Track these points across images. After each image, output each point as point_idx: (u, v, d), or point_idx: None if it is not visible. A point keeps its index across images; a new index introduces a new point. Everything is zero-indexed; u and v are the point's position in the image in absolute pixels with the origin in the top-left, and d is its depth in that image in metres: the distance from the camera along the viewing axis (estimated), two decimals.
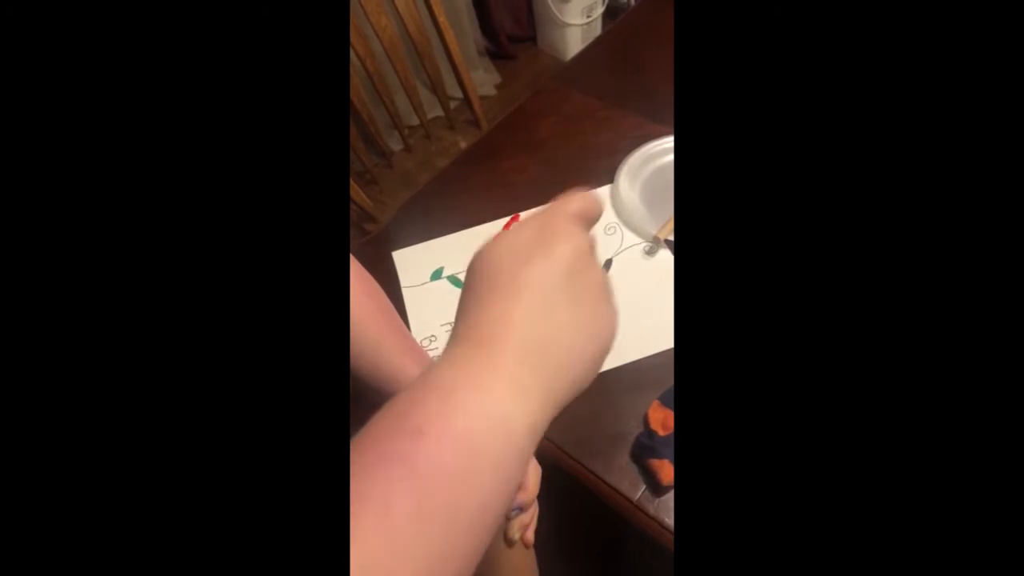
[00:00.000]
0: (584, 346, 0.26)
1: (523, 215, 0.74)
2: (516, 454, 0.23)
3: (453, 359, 0.25)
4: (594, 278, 0.27)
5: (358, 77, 1.07)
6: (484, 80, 1.72)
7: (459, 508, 0.21)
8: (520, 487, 0.43)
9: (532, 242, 0.27)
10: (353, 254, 0.54)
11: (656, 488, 0.55)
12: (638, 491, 0.55)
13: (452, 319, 0.66)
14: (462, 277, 0.71)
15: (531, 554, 0.45)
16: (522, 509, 0.43)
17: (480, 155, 0.87)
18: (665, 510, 0.54)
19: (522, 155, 0.84)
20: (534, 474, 0.45)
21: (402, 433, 0.21)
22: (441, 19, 1.07)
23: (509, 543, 0.42)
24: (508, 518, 0.42)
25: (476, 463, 0.21)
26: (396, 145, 1.26)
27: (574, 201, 0.29)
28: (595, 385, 0.58)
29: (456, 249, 0.74)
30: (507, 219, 0.75)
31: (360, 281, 0.54)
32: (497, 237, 0.29)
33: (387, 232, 0.79)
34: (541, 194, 0.75)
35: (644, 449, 0.56)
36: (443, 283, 0.71)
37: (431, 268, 0.73)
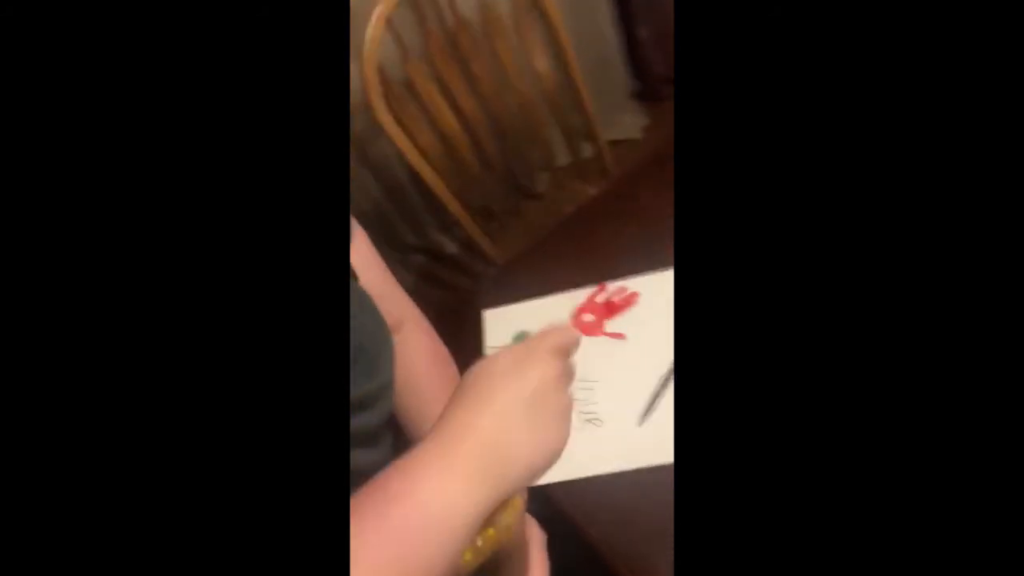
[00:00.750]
0: (531, 459, 0.33)
1: (610, 285, 0.75)
2: (461, 526, 0.30)
3: (425, 449, 0.32)
4: (555, 403, 0.34)
5: (490, 131, 1.15)
6: (630, 124, 1.72)
7: (414, 555, 0.28)
8: None
9: (509, 366, 0.35)
10: (451, 310, 0.61)
11: None
12: None
13: None
14: None
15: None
16: None
17: (583, 219, 0.88)
18: None
19: (623, 221, 0.84)
20: (538, 573, 0.46)
21: (380, 496, 0.30)
22: (576, 78, 1.11)
23: None
24: None
25: (430, 524, 0.29)
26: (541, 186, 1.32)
27: (553, 335, 0.37)
28: (651, 478, 0.58)
29: (542, 312, 0.76)
30: (592, 289, 0.76)
31: (432, 347, 0.59)
32: (486, 358, 0.36)
33: (485, 290, 0.84)
34: (630, 263, 0.75)
35: None
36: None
37: (515, 330, 0.76)
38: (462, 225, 1.12)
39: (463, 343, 0.78)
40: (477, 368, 0.35)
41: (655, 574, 0.55)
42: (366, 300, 0.48)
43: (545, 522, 0.69)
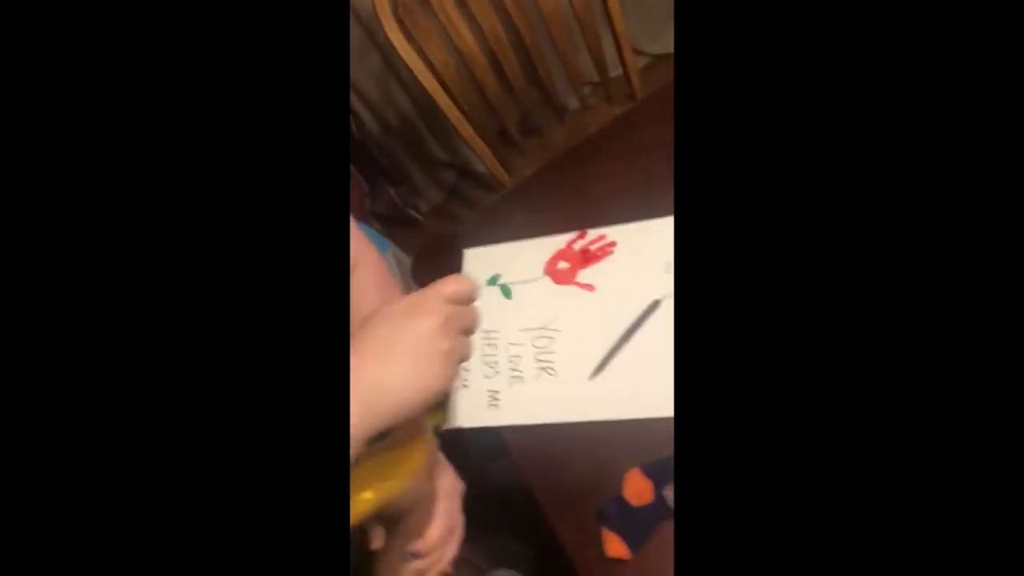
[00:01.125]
0: (404, 395, 0.37)
1: (591, 232, 0.73)
2: None
3: None
4: (436, 346, 0.38)
5: (513, 49, 1.08)
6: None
7: None
8: (418, 535, 0.47)
9: (402, 312, 0.39)
10: (437, 248, 0.62)
11: (602, 556, 0.54)
12: (589, 548, 0.56)
13: (490, 327, 0.76)
14: (514, 287, 0.73)
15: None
16: (417, 556, 0.47)
17: (579, 155, 0.84)
18: None
19: (615, 162, 0.80)
20: (438, 528, 0.49)
21: None
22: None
23: None
24: (403, 560, 0.47)
25: None
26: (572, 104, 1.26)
27: (446, 285, 0.41)
28: (592, 432, 0.60)
29: (519, 257, 0.76)
30: (574, 234, 0.74)
31: (381, 290, 0.60)
32: (384, 306, 0.41)
33: (473, 227, 0.84)
34: (622, 211, 0.72)
35: (604, 515, 0.55)
36: (494, 291, 0.74)
37: (490, 272, 0.76)
38: (476, 151, 1.09)
39: (445, 275, 0.79)
40: (375, 314, 0.39)
41: (581, 525, 0.57)
42: None
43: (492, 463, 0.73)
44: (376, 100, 1.45)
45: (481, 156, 1.10)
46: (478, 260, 0.78)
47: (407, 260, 1.08)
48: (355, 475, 0.36)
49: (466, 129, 1.06)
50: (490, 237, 0.80)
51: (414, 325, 0.38)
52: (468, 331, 0.42)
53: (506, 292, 0.74)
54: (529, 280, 0.73)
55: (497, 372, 0.68)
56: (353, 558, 0.47)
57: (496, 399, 0.67)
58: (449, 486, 0.53)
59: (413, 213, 1.61)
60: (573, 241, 0.73)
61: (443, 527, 0.49)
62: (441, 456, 0.53)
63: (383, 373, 0.36)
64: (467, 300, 0.42)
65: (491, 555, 0.75)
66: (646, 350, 0.63)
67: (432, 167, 1.62)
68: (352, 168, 1.47)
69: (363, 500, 0.38)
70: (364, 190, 1.59)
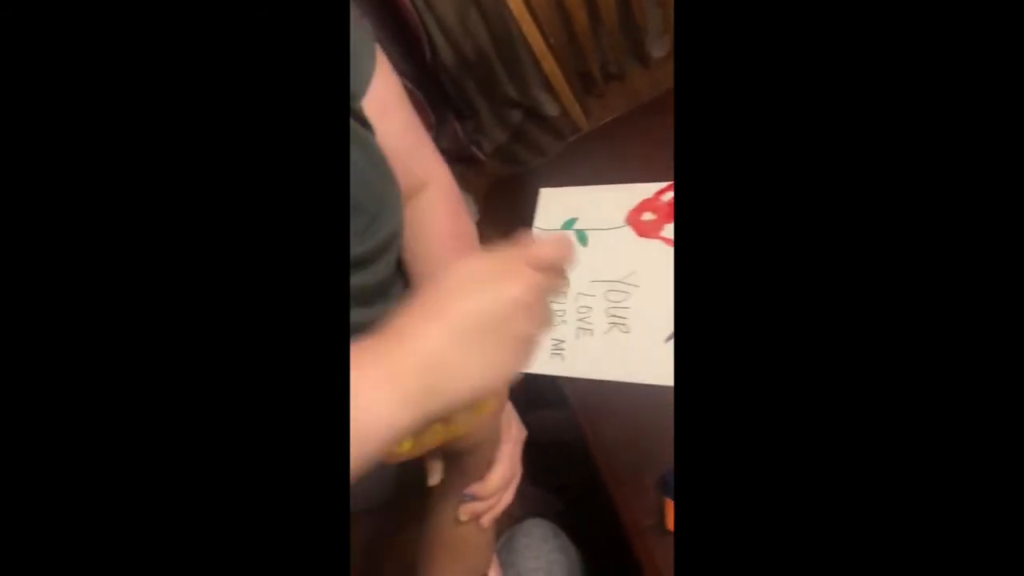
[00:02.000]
0: (471, 384, 0.30)
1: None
2: (385, 439, 0.28)
3: (373, 345, 0.29)
4: (515, 327, 0.30)
5: None
6: None
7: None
8: (478, 477, 0.45)
9: (481, 278, 0.31)
10: (509, 187, 0.55)
11: (661, 527, 0.51)
12: (648, 518, 0.53)
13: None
14: (590, 234, 0.69)
15: (482, 533, 0.48)
16: (474, 498, 0.45)
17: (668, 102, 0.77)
18: (663, 555, 0.51)
19: None
20: (499, 473, 0.46)
21: None
22: None
23: (458, 521, 0.45)
24: (460, 500, 0.44)
25: (355, 433, 0.27)
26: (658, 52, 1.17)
27: (542, 248, 0.31)
28: (660, 397, 0.55)
29: (600, 203, 0.70)
30: (663, 184, 0.68)
31: (451, 217, 0.56)
32: (463, 262, 0.32)
33: (549, 167, 0.79)
34: None
35: (667, 485, 0.52)
36: (570, 235, 0.70)
37: (567, 215, 0.71)
38: (557, 90, 1.02)
39: (515, 217, 0.75)
40: (449, 272, 0.31)
41: (638, 490, 0.54)
42: (372, 153, 0.45)
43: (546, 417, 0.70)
44: (453, 28, 1.38)
45: (560, 95, 1.04)
46: (554, 201, 0.73)
47: (468, 199, 1.04)
48: None
49: (549, 63, 0.99)
50: (569, 178, 0.74)
51: (500, 298, 0.30)
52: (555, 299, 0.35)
53: (582, 238, 0.69)
54: (608, 228, 0.68)
55: (564, 321, 0.64)
56: (410, 491, 0.45)
57: (560, 349, 0.63)
58: (514, 433, 0.50)
59: (476, 151, 1.56)
60: (662, 191, 0.68)
61: (504, 473, 0.46)
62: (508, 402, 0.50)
63: (450, 360, 0.29)
64: (564, 267, 0.33)
65: (523, 503, 0.73)
66: None
67: (500, 105, 1.55)
68: (421, 96, 1.42)
69: (432, 431, 0.35)
70: (430, 121, 1.54)
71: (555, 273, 0.32)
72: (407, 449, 0.35)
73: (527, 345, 0.31)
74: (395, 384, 0.28)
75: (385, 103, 0.49)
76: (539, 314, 0.31)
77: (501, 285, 0.30)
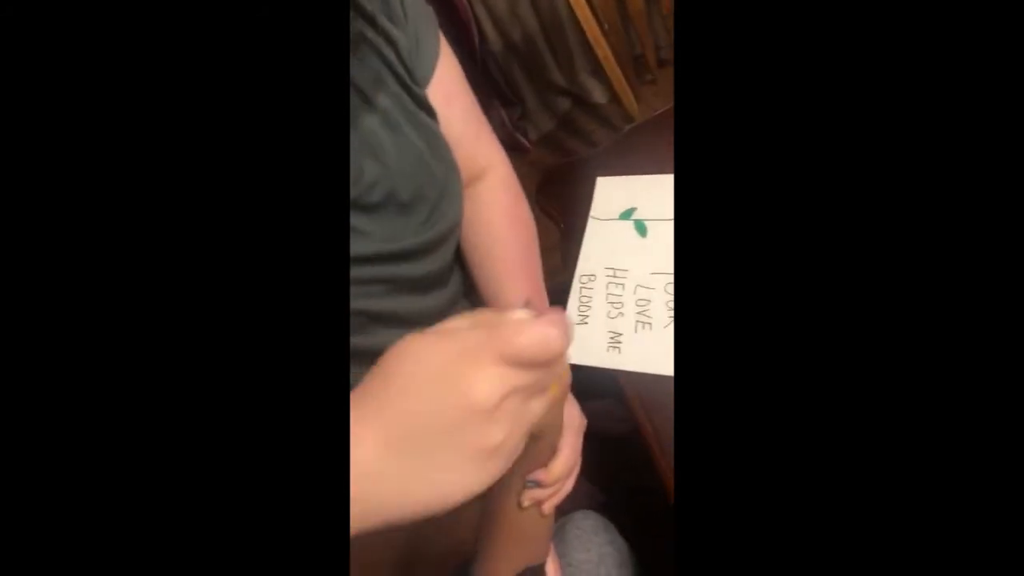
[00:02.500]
0: (415, 501, 0.24)
1: None
2: None
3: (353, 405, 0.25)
4: (474, 438, 0.24)
5: None
6: None
7: None
8: (542, 464, 0.44)
9: (437, 370, 0.24)
10: (562, 176, 0.54)
11: None
12: None
13: (620, 265, 0.67)
14: (649, 224, 0.67)
15: (543, 520, 0.47)
16: (538, 484, 0.44)
17: None
18: None
19: None
20: (562, 461, 0.45)
21: None
22: None
23: (520, 507, 0.44)
24: (524, 486, 0.44)
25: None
26: None
27: (521, 338, 0.24)
28: None
29: (657, 191, 0.68)
30: None
31: (511, 205, 0.56)
32: (427, 336, 0.25)
33: (604, 154, 0.77)
34: None
35: None
36: (628, 225, 0.68)
37: (625, 205, 0.69)
38: (609, 74, 1.00)
39: (573, 206, 0.74)
40: (409, 348, 0.25)
41: None
42: (436, 141, 0.45)
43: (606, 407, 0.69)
44: (502, 14, 1.37)
45: (612, 80, 1.01)
46: (612, 190, 0.72)
47: None
48: None
49: (602, 48, 0.97)
50: (626, 167, 0.72)
51: (456, 399, 0.23)
52: (543, 398, 0.27)
53: (641, 229, 0.67)
54: (668, 219, 0.66)
55: (622, 314, 0.63)
56: None
57: (618, 342, 0.62)
58: (576, 421, 0.49)
59: (522, 139, 1.55)
60: None
61: (568, 461, 0.45)
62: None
63: (392, 467, 0.23)
64: (549, 362, 0.25)
65: (572, 495, 0.73)
66: None
67: (548, 92, 1.53)
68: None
69: None
70: None
71: (540, 368, 0.25)
72: None
73: (496, 457, 0.24)
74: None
75: (449, 89, 0.49)
76: (512, 419, 0.25)
77: (460, 382, 0.23)
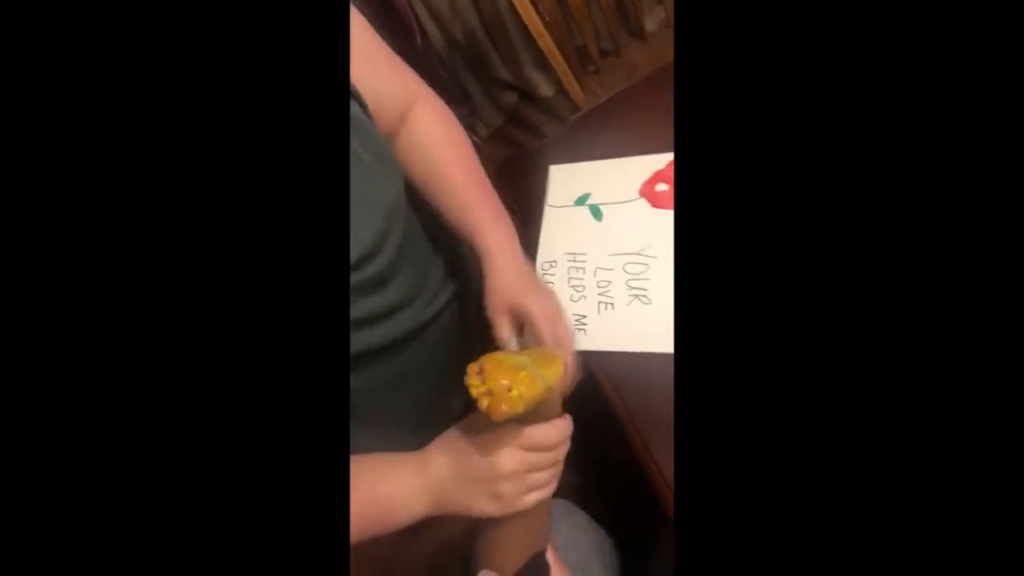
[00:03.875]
0: (461, 509, 0.44)
1: None
2: (402, 523, 0.45)
3: (409, 461, 0.46)
4: (495, 489, 0.42)
5: None
6: None
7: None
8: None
9: (486, 443, 0.42)
10: (515, 167, 0.61)
11: None
12: None
13: (579, 250, 0.70)
14: (604, 208, 0.69)
15: (543, 506, 0.48)
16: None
17: None
18: None
19: None
20: (561, 426, 0.46)
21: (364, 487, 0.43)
22: None
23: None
24: None
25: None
26: (652, 25, 1.16)
27: (539, 434, 0.43)
28: None
29: (612, 176, 0.70)
30: (670, 155, 0.68)
31: (446, 127, 0.57)
32: (463, 429, 0.45)
33: (556, 143, 0.78)
34: None
35: None
36: (584, 211, 0.69)
37: (579, 191, 0.71)
38: (554, 66, 1.02)
39: (529, 197, 0.75)
40: (472, 419, 0.44)
41: (670, 457, 0.55)
42: (369, 138, 0.45)
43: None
44: (442, 11, 1.37)
45: (558, 72, 1.03)
46: (565, 177, 0.73)
47: None
48: (500, 374, 0.37)
49: (545, 41, 0.98)
50: (578, 155, 0.74)
51: (486, 463, 0.41)
52: (546, 472, 0.44)
53: (596, 213, 0.69)
54: (622, 201, 0.68)
55: (584, 296, 0.64)
56: None
57: (583, 324, 0.63)
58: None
59: (472, 137, 1.55)
60: (674, 161, 0.67)
61: (565, 427, 0.46)
62: None
63: (453, 488, 0.43)
64: (556, 446, 0.44)
65: None
66: None
67: (494, 88, 1.54)
68: None
69: (513, 398, 0.37)
70: None
71: (550, 452, 0.43)
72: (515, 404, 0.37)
73: (503, 501, 0.42)
74: (423, 493, 0.43)
75: (359, 45, 0.49)
76: (522, 483, 0.42)
77: (494, 455, 0.41)
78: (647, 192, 0.67)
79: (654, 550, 0.62)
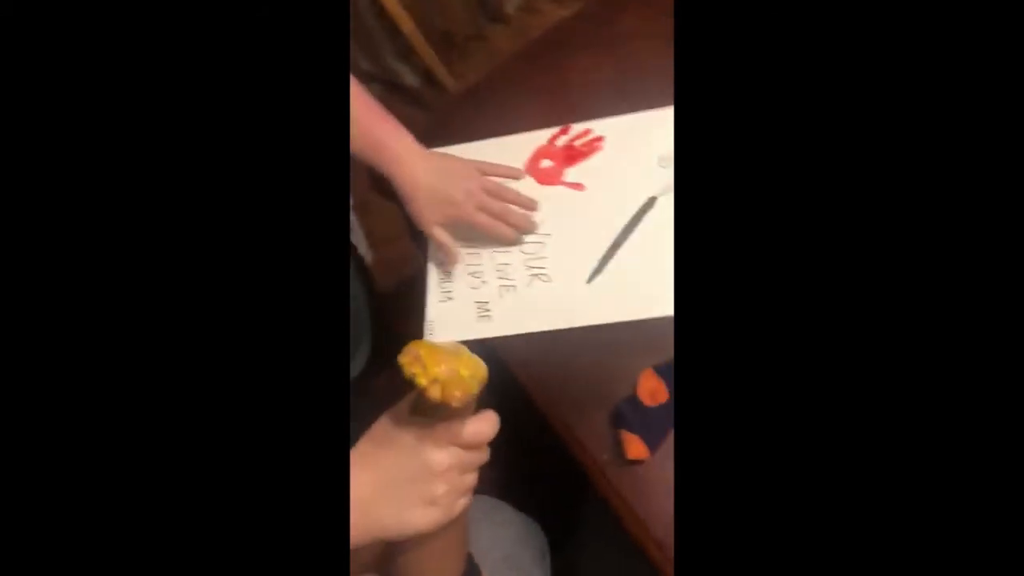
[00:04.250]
0: (387, 525, 0.37)
1: (575, 126, 0.67)
2: None
3: None
4: (436, 490, 0.37)
5: None
6: None
7: None
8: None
9: (414, 444, 0.38)
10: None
11: (620, 459, 0.52)
12: (603, 453, 0.53)
13: (474, 236, 0.66)
14: None
15: (463, 520, 0.45)
16: None
17: (551, 46, 0.77)
18: (628, 484, 0.52)
19: (598, 51, 0.73)
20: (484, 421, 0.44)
21: None
22: None
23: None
24: None
25: None
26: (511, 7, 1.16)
27: (471, 426, 0.38)
28: (594, 336, 0.61)
29: (492, 158, 0.68)
30: (554, 130, 0.67)
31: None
32: (393, 419, 0.39)
33: (437, 125, 0.75)
34: (608, 104, 0.66)
35: (621, 417, 0.53)
36: (494, 416, 0.67)
37: None
38: (418, 52, 0.98)
39: None
40: (387, 424, 0.39)
41: (591, 429, 0.54)
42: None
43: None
44: None
45: (423, 56, 0.99)
46: None
47: None
48: (440, 359, 0.35)
49: (408, 24, 0.94)
50: (455, 138, 0.71)
51: (418, 462, 0.37)
52: (475, 474, 0.41)
53: None
54: (510, 181, 0.66)
55: (484, 282, 0.62)
56: None
57: (487, 310, 0.61)
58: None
59: None
60: (555, 137, 0.67)
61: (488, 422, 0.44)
62: None
63: (378, 501, 0.37)
64: (487, 441, 0.40)
65: None
66: (646, 249, 0.60)
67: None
68: None
69: (466, 379, 0.35)
70: None
71: (475, 449, 0.39)
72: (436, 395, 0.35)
73: (439, 505, 0.37)
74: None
75: None
76: (452, 482, 0.38)
77: (423, 454, 0.37)
78: (533, 169, 0.66)
79: (585, 525, 0.62)
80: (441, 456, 0.37)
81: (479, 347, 0.60)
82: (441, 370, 0.34)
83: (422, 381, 0.34)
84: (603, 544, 0.63)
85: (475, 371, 0.36)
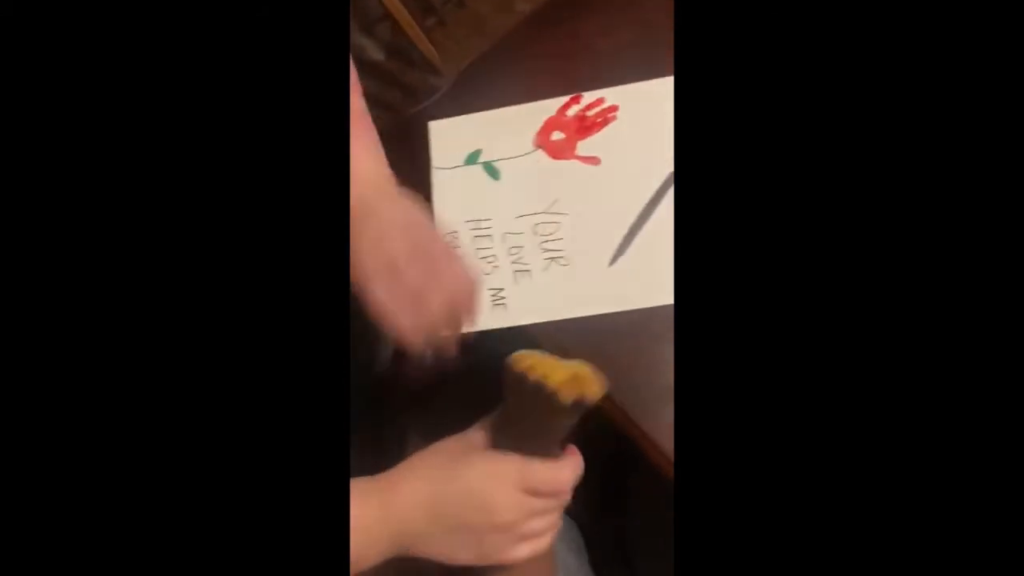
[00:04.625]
0: (434, 554, 0.35)
1: (586, 95, 0.61)
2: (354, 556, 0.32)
3: (375, 487, 0.36)
4: (496, 554, 0.34)
5: None
6: None
7: None
8: None
9: (474, 483, 0.33)
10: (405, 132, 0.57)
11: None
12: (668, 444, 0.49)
13: (480, 215, 0.62)
14: (500, 165, 0.61)
15: (547, 556, 0.41)
16: None
17: (561, 10, 0.71)
18: None
19: (613, 14, 0.67)
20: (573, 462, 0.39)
21: None
22: None
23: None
24: None
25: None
26: None
27: (544, 474, 0.34)
28: (619, 322, 0.57)
29: (502, 128, 0.62)
30: (566, 98, 0.62)
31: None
32: (465, 444, 0.36)
33: (437, 99, 0.68)
34: (622, 71, 0.61)
35: None
36: (477, 170, 0.61)
37: (468, 149, 0.63)
38: (397, 21, 0.90)
39: (408, 161, 0.64)
40: (450, 445, 0.36)
41: (644, 415, 0.50)
42: None
43: None
44: None
45: (403, 24, 0.92)
46: (448, 134, 0.64)
47: None
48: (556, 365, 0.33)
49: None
50: (462, 108, 0.65)
51: (483, 515, 0.33)
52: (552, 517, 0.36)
53: (492, 172, 0.61)
54: (519, 155, 0.61)
55: (497, 267, 0.57)
56: None
57: (501, 298, 0.56)
58: None
59: None
60: (566, 107, 0.62)
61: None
62: None
63: (431, 533, 0.34)
64: (560, 494, 0.35)
65: None
66: (671, 227, 0.55)
67: None
68: None
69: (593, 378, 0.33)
70: None
71: (554, 498, 0.34)
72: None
73: (488, 553, 0.34)
74: (382, 530, 0.34)
75: None
76: (516, 533, 0.33)
77: (487, 501, 0.33)
78: (543, 142, 0.61)
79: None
80: (506, 507, 0.33)
81: (493, 339, 0.55)
82: (565, 371, 0.32)
83: (556, 379, 0.32)
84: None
85: (591, 371, 0.34)
